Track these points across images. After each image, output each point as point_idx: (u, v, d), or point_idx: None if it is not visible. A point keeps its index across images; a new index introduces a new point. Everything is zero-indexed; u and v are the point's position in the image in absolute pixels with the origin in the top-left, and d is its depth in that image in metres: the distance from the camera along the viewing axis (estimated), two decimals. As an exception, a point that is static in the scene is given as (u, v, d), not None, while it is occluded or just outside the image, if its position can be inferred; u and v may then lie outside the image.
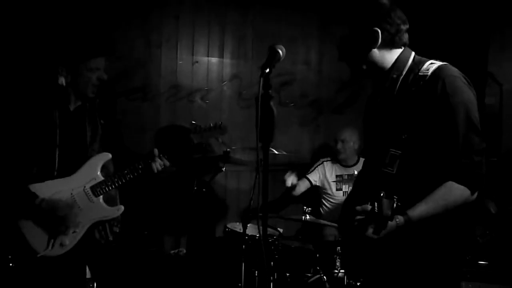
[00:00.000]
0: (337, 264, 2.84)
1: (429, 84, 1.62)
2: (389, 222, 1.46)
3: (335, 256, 2.84)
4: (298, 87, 4.01)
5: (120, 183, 2.26)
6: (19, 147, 2.18)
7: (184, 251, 3.47)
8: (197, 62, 3.75)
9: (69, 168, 2.22)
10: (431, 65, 1.68)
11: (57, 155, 2.20)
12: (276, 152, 3.15)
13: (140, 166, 2.27)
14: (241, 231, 3.00)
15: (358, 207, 1.55)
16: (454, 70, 1.65)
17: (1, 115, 2.25)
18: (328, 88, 4.10)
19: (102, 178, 2.25)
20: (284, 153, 3.26)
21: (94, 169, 2.25)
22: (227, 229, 3.19)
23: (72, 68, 2.21)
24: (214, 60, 3.82)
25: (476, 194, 1.57)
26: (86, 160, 2.25)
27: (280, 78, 3.90)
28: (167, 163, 2.35)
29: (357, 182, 2.14)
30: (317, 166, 3.68)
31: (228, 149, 3.16)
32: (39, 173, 2.18)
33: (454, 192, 1.54)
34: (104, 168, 2.27)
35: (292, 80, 3.99)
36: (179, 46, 3.70)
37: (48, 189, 2.16)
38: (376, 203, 1.45)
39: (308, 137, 4.06)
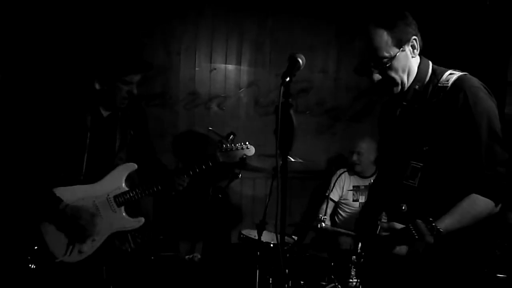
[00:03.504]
0: (352, 273, 2.82)
1: (450, 96, 1.61)
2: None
3: (350, 265, 2.82)
4: (314, 94, 4.02)
5: (143, 195, 2.27)
6: (49, 149, 2.19)
7: (199, 256, 3.49)
8: (215, 69, 3.79)
9: (95, 174, 2.24)
10: (451, 76, 1.66)
11: (85, 160, 2.21)
12: (292, 160, 3.16)
13: (164, 182, 2.30)
14: (256, 237, 3.00)
15: (385, 224, 1.55)
16: (474, 81, 1.64)
17: (35, 116, 2.25)
18: (345, 96, 4.09)
19: (126, 189, 2.26)
20: (300, 161, 3.27)
21: (119, 178, 2.26)
22: (242, 236, 3.19)
23: (107, 80, 2.22)
24: (231, 67, 3.86)
25: (500, 205, 1.55)
26: (112, 168, 2.27)
27: (297, 85, 3.91)
28: (187, 180, 2.38)
29: (372, 192, 2.12)
30: (335, 181, 3.64)
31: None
32: (66, 177, 2.20)
33: (479, 204, 1.53)
34: (129, 178, 2.28)
35: (309, 88, 4.00)
36: (198, 54, 3.75)
37: (72, 195, 2.18)
38: (412, 227, 1.44)
39: (324, 145, 4.06)
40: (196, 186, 3.54)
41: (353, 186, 3.62)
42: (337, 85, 4.08)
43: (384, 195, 1.85)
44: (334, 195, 3.64)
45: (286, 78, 1.44)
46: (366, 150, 3.52)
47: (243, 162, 3.19)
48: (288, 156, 3.02)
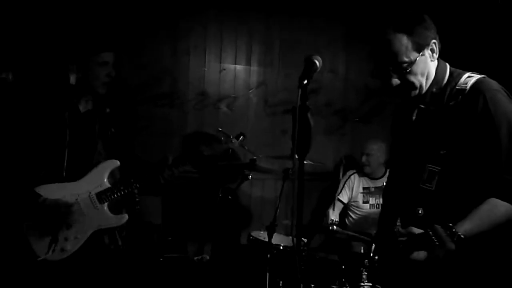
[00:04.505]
0: (364, 277, 2.79)
1: (469, 99, 1.57)
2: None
3: (361, 268, 2.79)
4: (324, 95, 3.99)
5: (126, 191, 2.24)
6: (28, 147, 2.18)
7: (208, 257, 3.47)
8: (224, 69, 3.77)
9: (76, 171, 2.22)
10: (469, 79, 1.63)
11: (66, 157, 2.19)
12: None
13: (146, 176, 2.28)
14: (265, 239, 2.98)
15: (402, 230, 1.52)
16: (494, 84, 1.61)
17: (11, 115, 2.27)
18: (354, 97, 4.06)
19: (109, 185, 2.23)
20: (311, 162, 3.24)
21: (101, 175, 2.24)
22: (251, 237, 3.18)
23: (82, 63, 2.19)
24: (241, 67, 3.84)
25: None
26: (93, 165, 2.25)
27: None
28: (176, 173, 2.36)
29: (387, 196, 2.08)
30: (345, 183, 3.62)
31: (254, 157, 3.15)
32: (47, 176, 2.18)
33: (498, 209, 1.49)
34: (111, 175, 2.26)
35: (318, 88, 3.97)
36: (207, 54, 3.74)
37: (54, 192, 2.17)
38: (431, 233, 1.41)
39: (333, 146, 4.03)
40: (206, 187, 3.56)
41: (363, 188, 3.59)
42: (346, 86, 4.05)
43: (399, 199, 1.82)
44: (343, 197, 3.61)
45: (304, 80, 1.41)
46: (376, 152, 3.49)
47: (253, 163, 3.18)
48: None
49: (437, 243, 1.39)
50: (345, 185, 3.62)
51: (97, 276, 2.25)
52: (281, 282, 2.91)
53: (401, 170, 1.86)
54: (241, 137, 3.48)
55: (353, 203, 3.61)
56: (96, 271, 2.26)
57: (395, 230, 1.68)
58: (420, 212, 1.63)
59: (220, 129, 3.38)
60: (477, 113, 1.54)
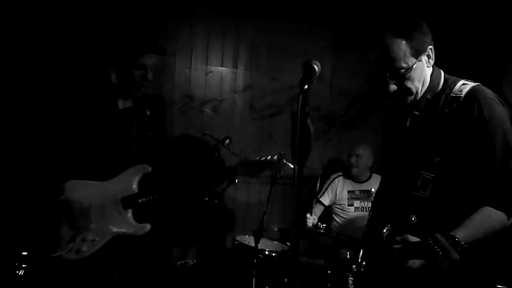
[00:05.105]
0: (350, 282, 2.79)
1: (464, 107, 1.59)
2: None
3: (347, 273, 2.80)
4: (310, 100, 3.98)
5: (153, 199, 2.16)
6: (63, 139, 2.13)
7: (191, 262, 3.42)
8: (211, 72, 3.73)
9: (108, 169, 2.14)
10: (464, 86, 1.64)
11: (99, 152, 2.14)
12: (291, 166, 3.12)
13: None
14: (250, 244, 2.96)
15: (398, 238, 1.51)
16: (488, 92, 1.62)
17: (54, 106, 2.21)
18: (340, 102, 4.09)
19: (136, 191, 2.14)
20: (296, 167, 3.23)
21: (131, 180, 2.13)
22: (236, 242, 3.14)
23: (122, 64, 2.15)
24: (227, 70, 3.80)
25: None
26: (125, 167, 2.16)
27: (292, 91, 3.88)
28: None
29: (378, 203, 2.08)
30: (328, 186, 3.64)
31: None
32: (79, 170, 2.12)
33: (492, 217, 1.51)
34: (141, 181, 2.16)
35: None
36: (193, 56, 3.69)
37: (79, 191, 2.10)
38: (433, 242, 1.40)
39: (318, 151, 4.04)
40: (192, 191, 3.50)
41: (348, 191, 3.61)
42: (332, 91, 4.07)
43: (390, 205, 1.82)
44: (325, 199, 3.62)
45: (304, 85, 1.40)
46: (365, 154, 3.52)
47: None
48: (287, 163, 3.00)
49: (440, 252, 1.38)
50: (329, 187, 3.63)
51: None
52: (267, 287, 2.88)
53: (394, 176, 1.86)
54: (227, 140, 3.46)
55: (337, 207, 3.62)
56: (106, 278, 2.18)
57: (385, 234, 1.68)
58: (413, 219, 1.64)
59: (206, 132, 3.35)
60: (472, 121, 1.55)
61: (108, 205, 2.11)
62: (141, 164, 2.16)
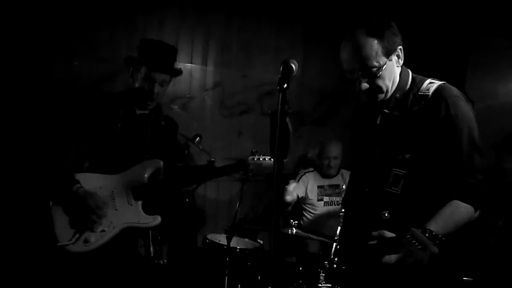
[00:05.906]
0: (321, 278, 2.83)
1: (432, 105, 1.64)
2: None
3: (319, 269, 2.83)
4: (279, 98, 4.00)
5: (163, 193, 2.20)
6: (78, 134, 2.14)
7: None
8: (179, 68, 3.66)
9: (120, 165, 2.15)
10: (431, 85, 1.69)
11: (113, 150, 2.15)
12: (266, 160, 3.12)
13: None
14: (221, 242, 2.94)
15: (375, 233, 1.54)
16: (454, 90, 1.68)
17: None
18: (309, 100, 4.12)
19: (147, 182, 2.15)
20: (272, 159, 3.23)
21: (142, 172, 2.15)
22: (207, 241, 3.12)
23: (136, 73, 2.21)
24: (197, 67, 3.76)
25: (478, 212, 1.60)
26: (138, 161, 2.17)
27: (262, 88, 3.89)
28: None
29: (349, 200, 2.11)
30: (300, 178, 3.68)
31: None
32: (91, 165, 2.13)
33: (461, 210, 1.56)
34: (153, 175, 2.18)
35: (274, 91, 3.98)
36: (162, 51, 3.61)
37: (92, 182, 2.08)
38: (410, 237, 1.42)
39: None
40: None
41: (318, 186, 3.65)
42: (302, 89, 4.09)
43: (362, 202, 1.85)
44: (298, 189, 3.62)
45: (284, 84, 1.40)
46: (340, 154, 3.58)
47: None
48: (260, 157, 3.00)
49: (418, 247, 1.41)
50: (301, 180, 3.66)
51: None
52: (239, 285, 2.88)
53: (365, 173, 1.89)
54: (198, 138, 3.43)
55: (307, 202, 3.65)
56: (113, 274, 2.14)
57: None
58: (386, 215, 1.67)
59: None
60: (440, 118, 1.61)
61: (119, 196, 2.12)
62: (154, 159, 2.21)
